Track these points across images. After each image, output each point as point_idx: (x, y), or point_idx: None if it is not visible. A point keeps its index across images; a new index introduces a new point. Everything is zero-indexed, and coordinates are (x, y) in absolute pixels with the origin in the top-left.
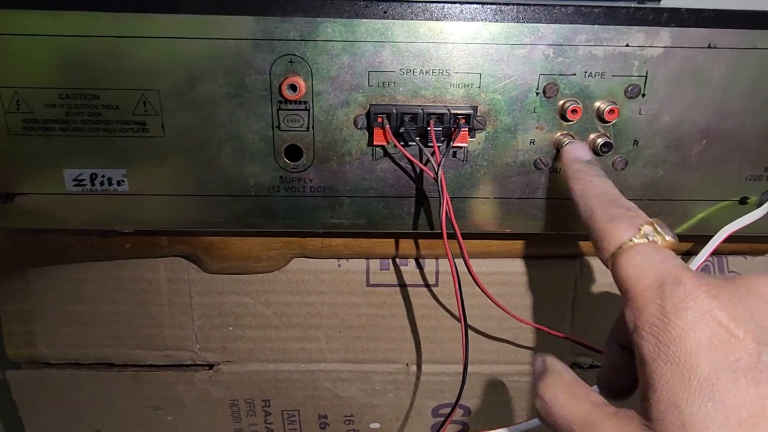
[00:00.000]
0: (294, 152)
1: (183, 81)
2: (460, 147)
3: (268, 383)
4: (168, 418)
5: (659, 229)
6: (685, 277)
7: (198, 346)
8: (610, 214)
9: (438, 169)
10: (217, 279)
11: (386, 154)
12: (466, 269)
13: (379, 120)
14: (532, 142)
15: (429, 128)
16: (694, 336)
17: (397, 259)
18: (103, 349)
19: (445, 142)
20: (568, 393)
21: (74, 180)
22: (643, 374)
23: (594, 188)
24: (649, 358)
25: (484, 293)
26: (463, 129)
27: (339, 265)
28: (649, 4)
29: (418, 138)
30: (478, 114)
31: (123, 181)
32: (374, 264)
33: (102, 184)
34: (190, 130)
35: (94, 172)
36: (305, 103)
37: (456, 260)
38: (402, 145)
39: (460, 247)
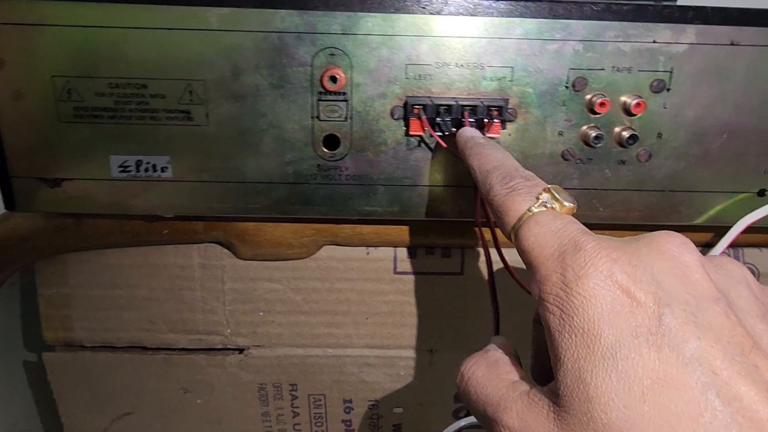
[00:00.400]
0: (332, 141)
1: (228, 72)
2: (493, 137)
3: (296, 367)
4: (197, 401)
5: (557, 195)
6: (585, 242)
7: (229, 331)
8: (508, 187)
9: None
10: (248, 265)
11: (420, 144)
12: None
13: (416, 111)
14: (561, 133)
15: (464, 119)
16: (595, 303)
17: (424, 248)
18: (137, 333)
19: None
20: (488, 371)
21: (120, 166)
22: (551, 349)
23: (491, 161)
24: (555, 331)
25: (516, 281)
26: (496, 120)
27: (368, 253)
28: (669, 2)
29: (453, 129)
30: (510, 106)
31: (167, 167)
32: (401, 252)
33: (146, 170)
34: (233, 119)
35: (139, 159)
36: (344, 94)
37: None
38: (439, 136)
39: (493, 236)
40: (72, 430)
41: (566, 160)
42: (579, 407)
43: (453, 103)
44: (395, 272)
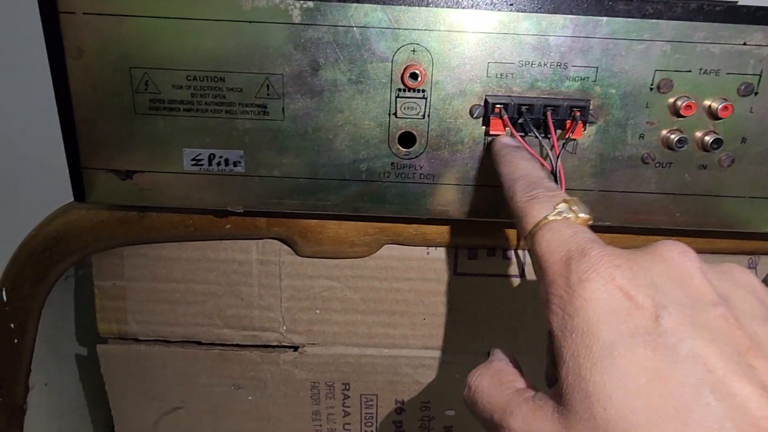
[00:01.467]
0: (408, 139)
1: (306, 66)
2: (574, 139)
3: (350, 367)
4: (248, 398)
5: (573, 206)
6: (591, 249)
7: (284, 328)
8: (529, 195)
9: (557, 162)
10: (306, 262)
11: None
12: None
13: (497, 110)
14: (642, 136)
15: (546, 119)
16: (596, 305)
17: (486, 249)
18: (192, 327)
19: (559, 134)
20: (493, 380)
21: (193, 160)
22: (555, 350)
23: (519, 170)
24: (558, 332)
25: None
26: (579, 121)
27: (428, 253)
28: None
29: (535, 129)
30: (591, 107)
31: (239, 162)
32: (463, 253)
33: (219, 164)
34: (309, 114)
35: (212, 153)
36: (424, 91)
37: None
38: (521, 136)
39: None
40: (122, 422)
41: (645, 163)
42: (580, 404)
43: (535, 102)
44: (455, 273)
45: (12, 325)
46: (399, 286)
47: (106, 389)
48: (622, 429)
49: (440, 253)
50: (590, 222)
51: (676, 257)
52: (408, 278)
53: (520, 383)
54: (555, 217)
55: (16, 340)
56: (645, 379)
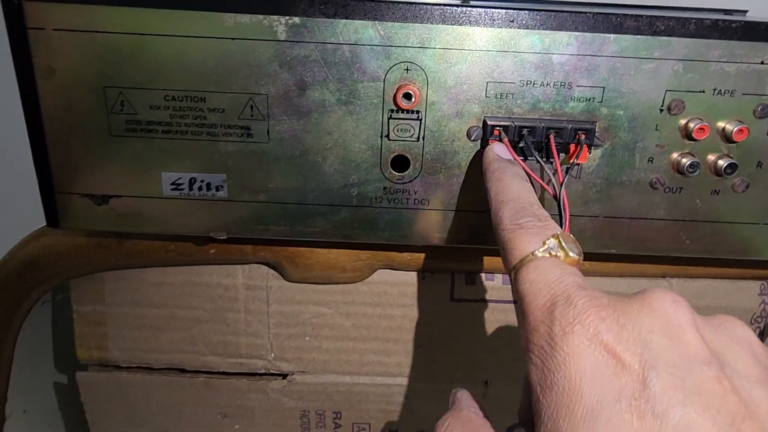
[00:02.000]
0: (401, 163)
1: (293, 86)
2: (578, 164)
3: (342, 395)
4: (236, 427)
5: (564, 243)
6: (577, 297)
7: (273, 355)
8: (517, 223)
9: (560, 189)
10: (296, 287)
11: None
12: None
13: (496, 132)
14: (650, 160)
15: (549, 143)
16: (579, 362)
17: (483, 273)
18: (176, 354)
19: (563, 158)
20: (464, 429)
21: (172, 184)
22: (533, 402)
23: (508, 192)
24: (536, 385)
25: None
26: (584, 145)
27: (423, 278)
28: (735, 16)
29: (537, 153)
30: (597, 130)
31: (222, 186)
32: (459, 278)
33: (200, 188)
34: (296, 136)
35: (193, 177)
36: (418, 112)
37: None
38: (521, 160)
39: None
40: None
41: (654, 189)
42: None
43: (537, 124)
44: (452, 299)
45: None
46: (393, 313)
47: (87, 417)
48: None
49: (436, 278)
50: (580, 263)
51: (668, 308)
52: (402, 304)
53: None
54: (543, 254)
55: None
56: None
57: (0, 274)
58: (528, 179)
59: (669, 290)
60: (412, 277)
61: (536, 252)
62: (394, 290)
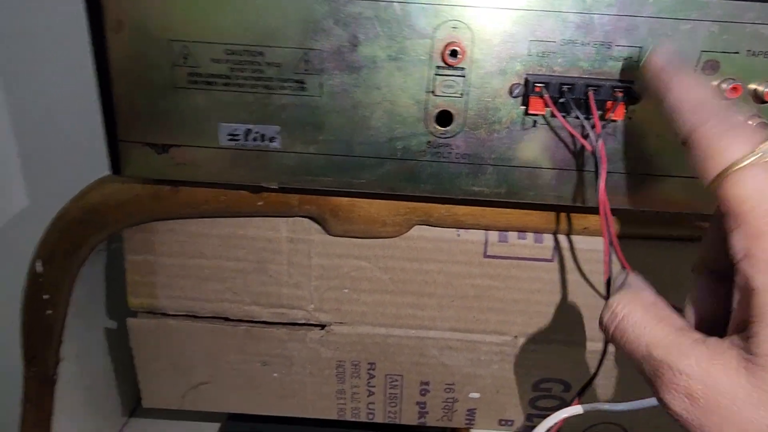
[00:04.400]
0: (445, 118)
1: (346, 42)
2: (614, 120)
3: (377, 347)
4: (274, 375)
5: None
6: None
7: (312, 306)
8: (721, 127)
9: (597, 141)
10: (337, 241)
11: (536, 124)
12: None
13: (537, 89)
14: None
15: (588, 99)
16: None
17: (516, 232)
18: (220, 304)
19: (599, 115)
20: (648, 312)
21: (229, 135)
22: (750, 304)
23: (700, 93)
24: (764, 289)
25: (621, 261)
26: (621, 102)
27: (458, 235)
28: None
29: (577, 109)
30: (635, 88)
31: (275, 137)
32: (493, 236)
33: (255, 139)
34: (347, 91)
35: (249, 128)
36: (463, 69)
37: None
38: (562, 116)
39: (608, 223)
40: (149, 395)
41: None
42: None
43: (577, 82)
44: (485, 256)
45: (45, 297)
46: (428, 268)
47: (135, 362)
48: None
49: (471, 235)
50: None
51: None
52: (438, 260)
53: (680, 321)
54: (757, 159)
55: (49, 312)
56: None
57: (62, 220)
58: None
59: None
60: (448, 233)
61: (749, 157)
62: (430, 246)
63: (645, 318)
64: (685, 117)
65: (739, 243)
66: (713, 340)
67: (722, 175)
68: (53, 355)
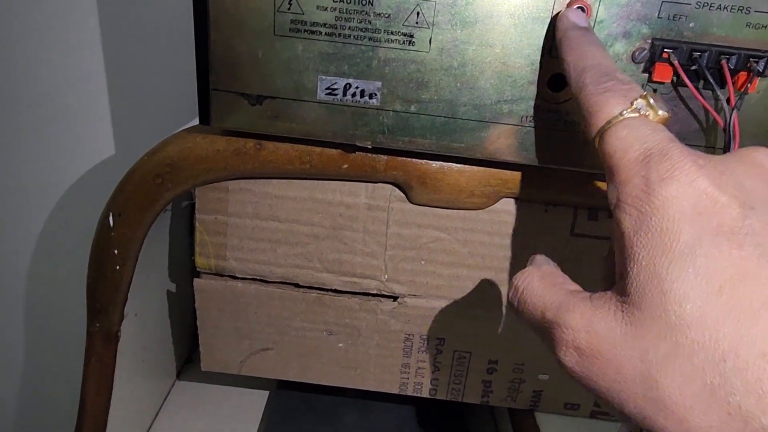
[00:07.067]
0: (557, 82)
1: None
2: (746, 93)
3: (449, 322)
4: (339, 345)
5: (652, 102)
6: (672, 149)
7: (386, 276)
8: (602, 87)
9: (731, 115)
10: (416, 210)
11: (657, 92)
12: None
13: (665, 55)
14: None
15: (722, 68)
16: (677, 204)
17: (608, 210)
18: (291, 269)
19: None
20: (544, 281)
21: (327, 88)
22: (622, 250)
23: (588, 59)
24: (630, 231)
25: None
26: (757, 74)
27: (546, 211)
28: None
29: (705, 78)
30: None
31: (376, 94)
32: (582, 213)
33: (354, 95)
34: (457, 47)
35: (348, 82)
36: None
37: None
38: (694, 87)
39: None
40: (209, 357)
41: None
42: (651, 301)
43: (709, 49)
44: (572, 233)
45: (116, 251)
46: (510, 243)
47: (198, 324)
48: (699, 327)
49: (559, 211)
50: (668, 121)
51: (764, 160)
52: (521, 235)
53: (573, 285)
54: (631, 114)
55: (118, 267)
56: (728, 276)
57: (138, 173)
58: (604, 48)
59: (762, 147)
60: (535, 208)
61: (624, 113)
62: (514, 220)
63: (540, 286)
64: (574, 78)
65: (612, 193)
66: (598, 294)
67: (602, 131)
68: (118, 312)
